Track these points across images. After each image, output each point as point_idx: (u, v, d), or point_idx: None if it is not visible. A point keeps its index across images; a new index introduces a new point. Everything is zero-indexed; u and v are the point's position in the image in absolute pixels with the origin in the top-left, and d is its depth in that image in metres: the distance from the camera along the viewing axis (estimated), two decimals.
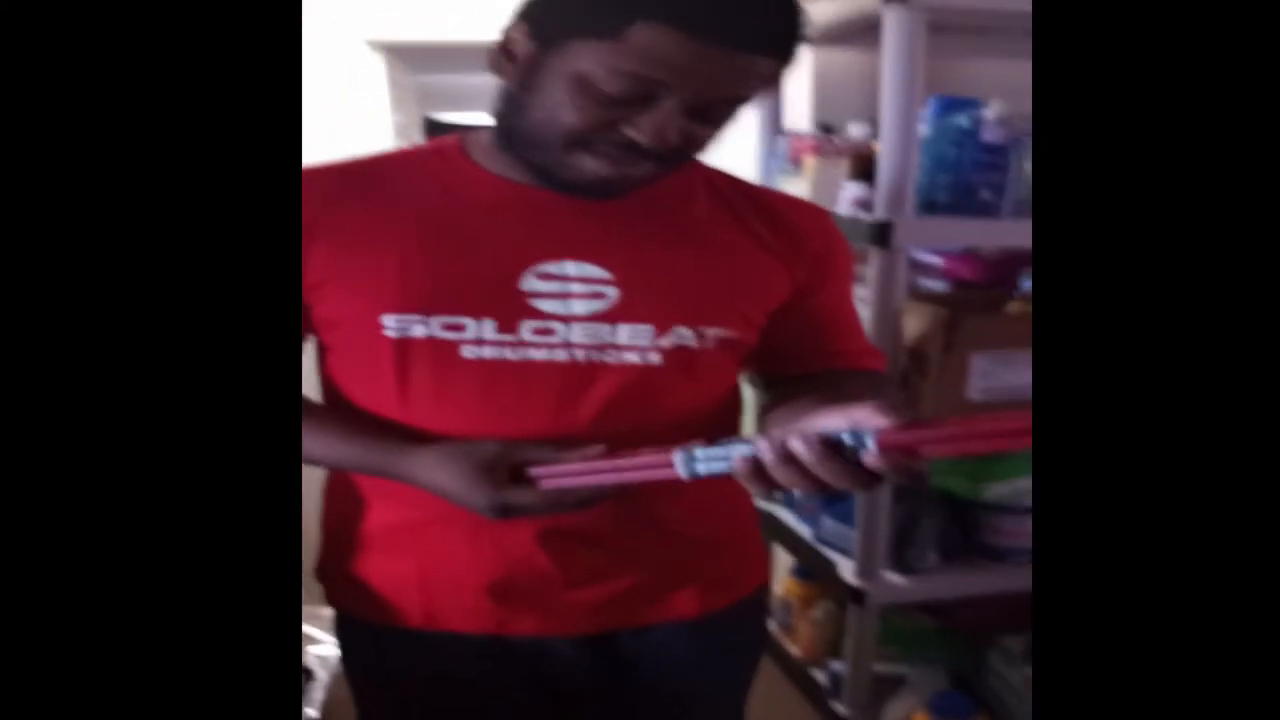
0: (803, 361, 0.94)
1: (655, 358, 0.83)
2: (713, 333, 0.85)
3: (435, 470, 0.80)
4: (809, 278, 0.91)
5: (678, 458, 0.73)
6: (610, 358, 0.83)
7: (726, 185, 0.91)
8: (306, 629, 1.97)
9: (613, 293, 0.82)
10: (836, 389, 0.84)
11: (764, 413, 0.88)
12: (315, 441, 0.85)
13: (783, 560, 2.07)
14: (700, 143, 0.79)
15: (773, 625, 2.10)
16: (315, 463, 0.87)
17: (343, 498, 0.94)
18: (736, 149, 1.93)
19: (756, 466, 0.68)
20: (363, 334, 0.82)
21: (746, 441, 0.70)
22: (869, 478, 0.64)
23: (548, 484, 0.78)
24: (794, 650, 2.02)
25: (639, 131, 0.74)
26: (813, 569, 1.89)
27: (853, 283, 0.99)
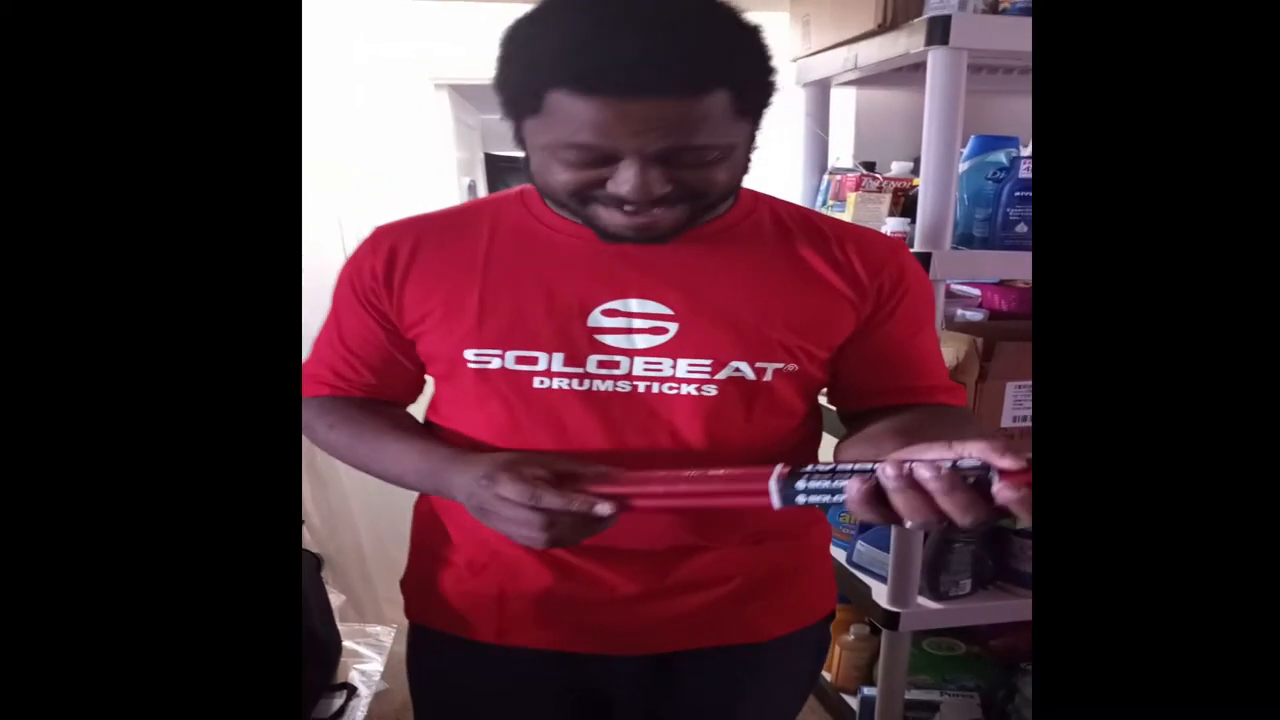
0: (876, 396, 0.94)
1: (712, 390, 0.86)
2: (772, 367, 0.87)
3: (475, 457, 0.83)
4: (875, 311, 0.90)
5: (774, 485, 0.70)
6: (670, 389, 0.86)
7: (794, 218, 0.92)
8: (353, 645, 2.05)
9: (673, 328, 0.86)
10: (918, 423, 0.84)
11: (838, 445, 0.90)
12: (379, 454, 0.91)
13: None
14: (705, 183, 0.78)
15: None
16: (385, 475, 0.92)
17: (429, 515, 1.00)
18: (783, 185, 2.01)
19: (872, 492, 0.66)
20: (453, 367, 0.89)
21: (856, 467, 0.68)
22: (990, 511, 0.63)
23: (630, 499, 0.78)
24: (827, 675, 2.04)
25: (620, 188, 0.76)
26: (847, 593, 1.92)
27: (931, 318, 0.97)
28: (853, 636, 1.96)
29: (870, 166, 1.77)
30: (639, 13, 0.70)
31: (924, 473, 0.64)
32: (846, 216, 1.72)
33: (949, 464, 0.64)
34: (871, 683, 1.85)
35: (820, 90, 1.89)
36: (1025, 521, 0.61)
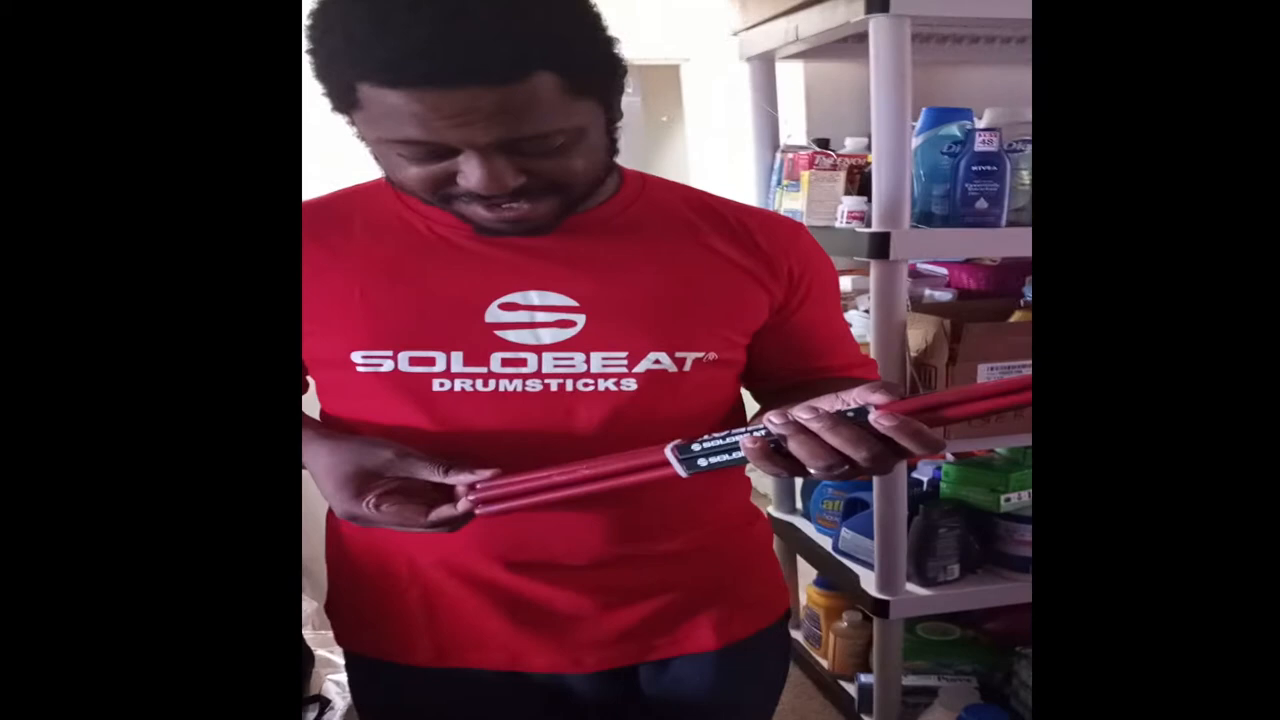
0: (792, 377, 0.92)
1: (631, 384, 0.81)
2: (692, 356, 0.83)
3: (318, 468, 0.81)
4: (789, 298, 0.88)
5: (673, 455, 0.71)
6: (585, 386, 0.81)
7: (690, 201, 0.88)
8: (327, 655, 2.00)
9: (581, 320, 0.80)
10: (826, 389, 0.80)
11: (751, 420, 0.84)
12: None
13: (807, 571, 2.06)
14: (562, 171, 0.73)
15: (800, 637, 2.10)
16: None
17: (340, 531, 0.94)
18: (736, 164, 1.93)
19: (768, 446, 0.66)
20: (340, 372, 0.82)
21: (746, 429, 0.69)
22: (882, 446, 0.63)
23: (492, 498, 0.76)
24: (823, 663, 2.01)
25: (469, 183, 0.70)
26: (836, 581, 1.88)
27: (838, 296, 0.97)
28: (845, 624, 1.93)
29: (825, 144, 1.68)
30: None
31: (803, 415, 0.65)
32: (801, 196, 1.64)
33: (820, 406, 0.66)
34: (868, 669, 1.82)
35: (765, 64, 1.79)
36: (913, 449, 0.63)
